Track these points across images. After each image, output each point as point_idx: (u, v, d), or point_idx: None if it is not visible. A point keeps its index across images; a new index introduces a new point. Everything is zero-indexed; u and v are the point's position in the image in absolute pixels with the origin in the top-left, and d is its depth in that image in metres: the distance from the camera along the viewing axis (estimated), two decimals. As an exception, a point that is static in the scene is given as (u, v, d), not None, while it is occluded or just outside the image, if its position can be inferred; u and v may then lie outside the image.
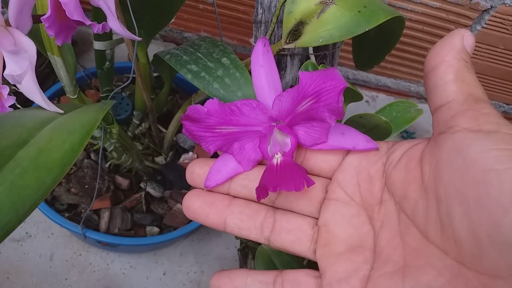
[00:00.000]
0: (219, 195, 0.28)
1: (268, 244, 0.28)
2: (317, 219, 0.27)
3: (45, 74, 0.69)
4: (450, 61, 0.22)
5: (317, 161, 0.28)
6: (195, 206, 0.28)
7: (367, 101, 0.84)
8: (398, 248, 0.23)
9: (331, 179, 0.27)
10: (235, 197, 0.29)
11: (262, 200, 0.27)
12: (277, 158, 0.26)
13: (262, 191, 0.25)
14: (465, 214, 0.20)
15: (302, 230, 0.27)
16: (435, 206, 0.21)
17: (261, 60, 0.27)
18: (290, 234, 0.27)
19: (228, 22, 0.74)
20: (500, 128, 0.20)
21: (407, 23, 0.68)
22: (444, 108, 0.22)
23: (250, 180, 0.28)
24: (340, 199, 0.26)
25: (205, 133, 0.27)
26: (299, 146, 0.27)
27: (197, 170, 0.29)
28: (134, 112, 0.58)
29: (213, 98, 0.26)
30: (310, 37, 0.31)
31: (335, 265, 0.25)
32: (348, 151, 0.27)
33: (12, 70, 0.25)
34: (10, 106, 0.28)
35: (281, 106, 0.26)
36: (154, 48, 0.80)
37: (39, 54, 0.66)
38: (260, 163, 0.28)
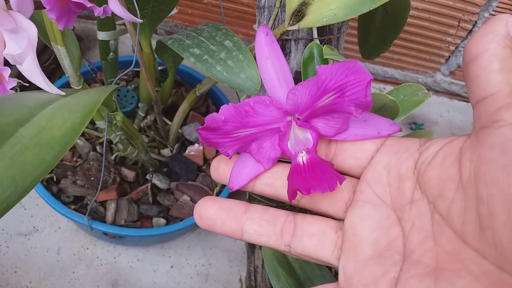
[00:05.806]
0: (235, 201, 0.27)
1: (288, 251, 0.26)
2: (341, 221, 0.26)
3: (51, 70, 0.69)
4: (495, 49, 0.20)
5: (345, 156, 0.26)
6: (210, 212, 0.26)
7: (374, 93, 0.83)
8: (431, 250, 0.22)
9: (359, 179, 0.26)
10: (258, 194, 0.28)
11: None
12: (302, 157, 0.25)
13: (293, 194, 0.24)
14: (509, 216, 0.18)
15: (325, 234, 0.26)
16: (474, 207, 0.20)
17: (266, 52, 0.26)
18: (313, 238, 0.25)
19: (232, 16, 0.74)
20: None
21: (414, 12, 0.67)
22: (488, 100, 0.20)
23: (276, 178, 0.27)
24: (369, 201, 0.25)
25: (223, 139, 0.26)
26: (325, 140, 0.26)
27: (222, 166, 0.28)
28: (139, 104, 0.58)
29: (228, 104, 0.25)
30: (314, 17, 0.30)
31: (362, 271, 0.24)
32: (377, 148, 0.26)
33: (11, 49, 0.24)
34: (11, 89, 0.28)
35: (296, 100, 0.25)
36: (159, 43, 0.80)
37: (45, 49, 0.66)
38: (280, 159, 0.27)
